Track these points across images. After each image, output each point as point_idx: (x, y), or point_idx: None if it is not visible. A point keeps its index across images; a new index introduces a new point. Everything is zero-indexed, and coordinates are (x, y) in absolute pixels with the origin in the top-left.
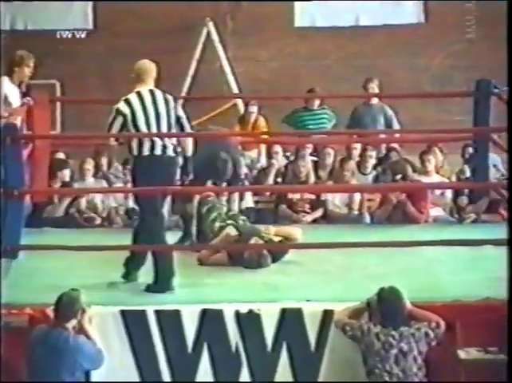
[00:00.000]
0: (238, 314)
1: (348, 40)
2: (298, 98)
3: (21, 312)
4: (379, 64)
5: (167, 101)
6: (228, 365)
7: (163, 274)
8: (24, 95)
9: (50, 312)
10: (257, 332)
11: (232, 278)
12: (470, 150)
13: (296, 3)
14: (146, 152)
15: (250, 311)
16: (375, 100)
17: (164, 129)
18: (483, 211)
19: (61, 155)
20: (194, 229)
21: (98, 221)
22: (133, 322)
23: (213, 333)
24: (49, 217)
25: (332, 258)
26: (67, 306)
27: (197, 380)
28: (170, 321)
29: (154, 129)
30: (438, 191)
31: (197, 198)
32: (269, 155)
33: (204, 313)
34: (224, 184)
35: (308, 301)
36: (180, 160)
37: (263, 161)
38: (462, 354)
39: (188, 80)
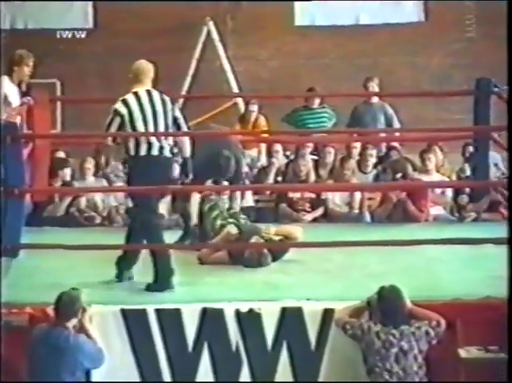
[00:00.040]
0: (238, 313)
1: (348, 39)
2: (298, 97)
3: (21, 311)
4: (379, 63)
5: (164, 102)
6: (228, 363)
7: (162, 272)
8: (24, 94)
9: (51, 311)
10: (258, 331)
11: (232, 277)
12: (471, 149)
13: (296, 2)
14: (143, 152)
15: (251, 310)
16: (375, 99)
17: (161, 130)
18: (484, 210)
19: (61, 155)
20: (192, 227)
21: (98, 220)
22: (134, 321)
23: (213, 332)
24: (49, 216)
25: (332, 257)
26: (67, 305)
27: (197, 379)
28: (170, 320)
29: (151, 130)
30: (438, 190)
31: (198, 196)
32: (270, 154)
33: (204, 312)
34: (225, 183)
35: (308, 300)
36: (177, 161)
37: (263, 160)
38: (462, 353)
39: (188, 79)
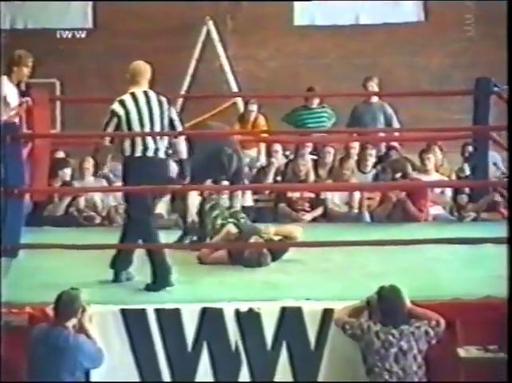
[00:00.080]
0: (237, 313)
1: (348, 38)
2: (298, 97)
3: (21, 311)
4: (379, 62)
5: (160, 103)
6: (228, 363)
7: (160, 272)
8: (23, 94)
9: (50, 311)
10: (257, 330)
11: (232, 277)
12: (470, 148)
13: (296, 2)
14: (138, 153)
15: (250, 310)
16: (375, 99)
17: (158, 130)
18: (483, 210)
19: (60, 154)
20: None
21: (98, 220)
22: (133, 321)
23: (213, 332)
24: (49, 216)
25: (332, 257)
26: (67, 304)
27: (197, 379)
28: (170, 319)
29: (147, 130)
30: (438, 190)
31: (198, 195)
32: (269, 154)
33: (204, 311)
34: (225, 182)
35: (308, 299)
36: (176, 162)
37: (263, 160)
38: (462, 353)
39: (188, 79)
